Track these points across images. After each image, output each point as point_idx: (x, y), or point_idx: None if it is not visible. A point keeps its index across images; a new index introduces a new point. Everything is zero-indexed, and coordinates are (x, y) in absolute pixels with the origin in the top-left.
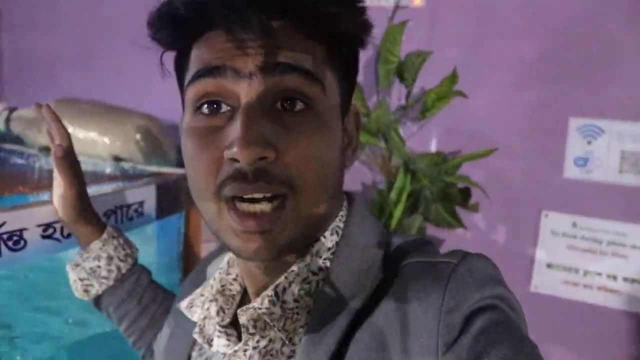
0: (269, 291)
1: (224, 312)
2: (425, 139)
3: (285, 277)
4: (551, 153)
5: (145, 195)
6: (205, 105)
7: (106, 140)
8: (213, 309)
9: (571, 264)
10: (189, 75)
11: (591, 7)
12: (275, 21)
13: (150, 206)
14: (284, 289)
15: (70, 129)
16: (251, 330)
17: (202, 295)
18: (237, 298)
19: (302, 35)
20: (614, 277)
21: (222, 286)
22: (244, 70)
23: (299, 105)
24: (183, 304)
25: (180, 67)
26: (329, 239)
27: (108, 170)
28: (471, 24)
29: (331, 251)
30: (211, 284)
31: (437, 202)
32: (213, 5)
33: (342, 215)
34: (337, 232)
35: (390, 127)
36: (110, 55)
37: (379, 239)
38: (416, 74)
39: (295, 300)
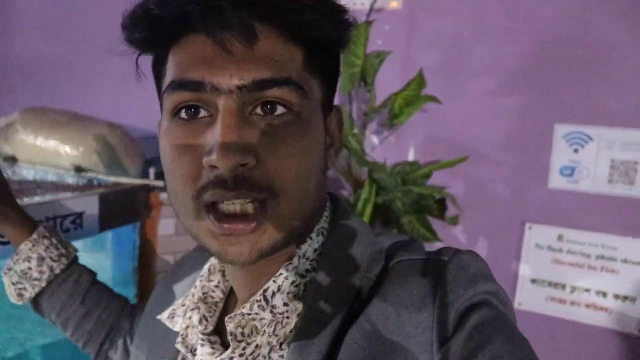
0: (258, 296)
1: (207, 321)
2: (404, 149)
3: (274, 281)
4: (536, 162)
5: (85, 207)
6: (184, 111)
7: (67, 149)
8: (195, 318)
9: (557, 280)
10: (166, 81)
11: (577, 10)
12: (256, 23)
13: (91, 218)
14: (273, 294)
15: (34, 140)
16: (239, 338)
17: (183, 305)
18: (220, 306)
19: (282, 39)
20: (604, 294)
21: (204, 294)
22: (224, 87)
23: (280, 110)
24: (164, 316)
25: (158, 71)
26: (315, 241)
27: (70, 181)
28: (451, 28)
29: (317, 252)
30: (192, 292)
31: (410, 215)
32: (191, 5)
33: (326, 217)
34: (322, 234)
35: (348, 135)
36: (91, 61)
37: (365, 239)
38: (374, 76)
39: (285, 305)
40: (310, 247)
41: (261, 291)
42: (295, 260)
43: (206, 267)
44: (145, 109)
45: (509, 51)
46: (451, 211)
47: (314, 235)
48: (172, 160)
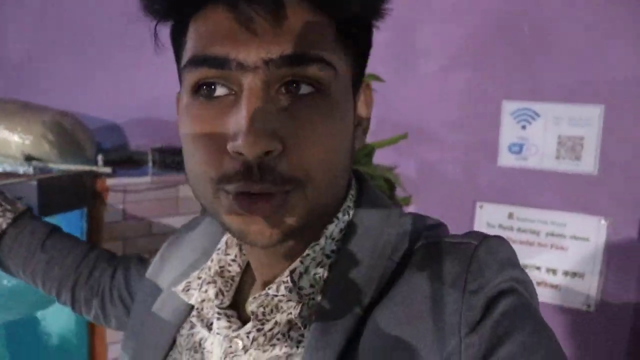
0: (284, 277)
1: (223, 295)
2: None
3: (301, 262)
4: (485, 140)
5: (22, 193)
6: (205, 88)
7: (16, 138)
8: (212, 291)
9: None
10: (187, 55)
11: None
12: None
13: (30, 204)
14: (300, 275)
15: None
16: (260, 317)
17: (199, 277)
18: (236, 280)
19: (312, 12)
20: (554, 271)
21: (221, 267)
22: (249, 63)
23: (307, 89)
24: (179, 288)
25: (177, 40)
26: (341, 220)
27: (21, 170)
28: (397, 7)
29: (343, 232)
30: (209, 266)
31: None
32: None
33: (352, 195)
34: (348, 213)
35: None
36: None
37: (391, 219)
38: None
39: (312, 286)
40: (337, 227)
41: (287, 272)
42: (322, 241)
43: (223, 239)
44: (104, 98)
45: (455, 29)
46: (403, 191)
47: (340, 215)
48: (193, 141)
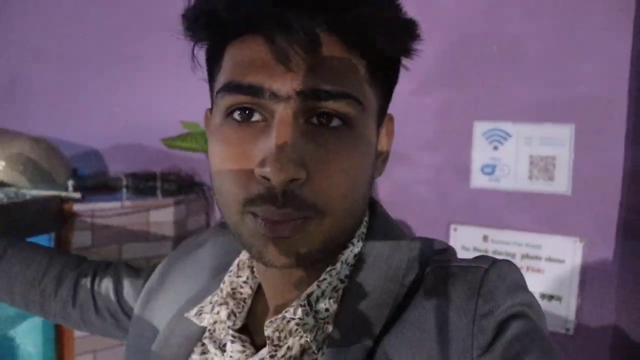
0: (302, 300)
1: (235, 316)
2: None
3: (318, 286)
4: (457, 161)
5: None
6: (238, 112)
7: None
8: (224, 313)
9: None
10: (221, 79)
11: (488, 7)
12: (320, 32)
13: None
14: (317, 298)
15: None
16: (275, 342)
17: (210, 302)
18: (248, 302)
19: (345, 50)
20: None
21: (233, 289)
22: (282, 93)
23: (336, 122)
24: (191, 313)
25: (212, 63)
26: (356, 246)
27: None
28: None
29: (356, 258)
30: (221, 288)
31: None
32: (254, 8)
33: (365, 221)
34: (362, 238)
35: None
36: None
37: (402, 245)
38: None
39: (327, 310)
40: (352, 252)
41: (304, 295)
42: (338, 265)
43: (235, 262)
44: (84, 124)
45: (424, 51)
46: None
47: (355, 241)
48: (222, 163)
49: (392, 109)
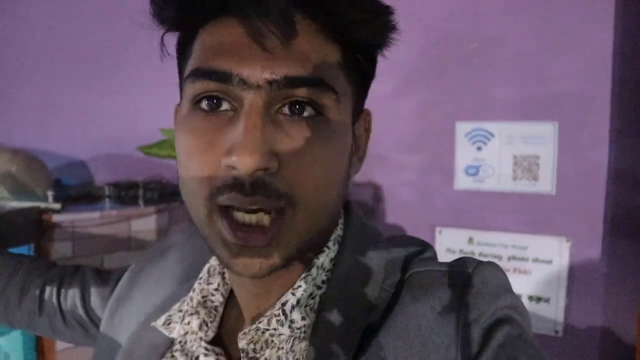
0: (276, 310)
1: (207, 326)
2: None
3: (293, 294)
4: (440, 163)
5: None
6: (205, 101)
7: None
8: (195, 323)
9: None
10: (190, 65)
11: (469, 4)
12: (296, 15)
13: None
14: (292, 307)
15: None
16: (251, 355)
17: (180, 310)
18: (220, 310)
19: (321, 35)
20: (519, 297)
21: (204, 297)
22: (252, 81)
23: (308, 111)
24: (159, 322)
25: (183, 49)
26: (332, 250)
27: None
28: None
29: (333, 262)
30: (190, 296)
31: None
32: None
33: (341, 223)
34: (338, 242)
35: None
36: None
37: (380, 248)
38: None
39: (303, 318)
40: (327, 256)
41: (279, 304)
42: (314, 271)
43: (205, 268)
44: (69, 135)
45: (405, 52)
46: None
47: (330, 244)
48: (188, 155)
49: (373, 111)
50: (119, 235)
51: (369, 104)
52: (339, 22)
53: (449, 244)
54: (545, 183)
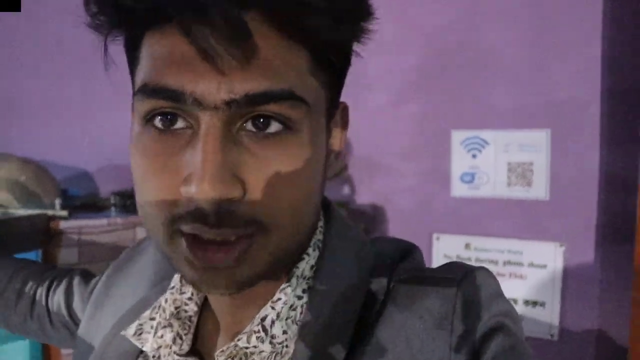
0: (255, 326)
1: (181, 339)
2: None
3: (272, 308)
4: (437, 171)
5: None
6: (159, 118)
7: None
8: (168, 336)
9: None
10: (139, 78)
11: (464, 15)
12: (250, 20)
13: None
14: (272, 322)
15: None
16: None
17: (151, 319)
18: (194, 320)
19: (282, 37)
20: (515, 301)
21: (177, 308)
22: (208, 102)
23: (275, 126)
24: (130, 332)
25: (130, 54)
26: (312, 256)
27: None
28: None
29: (314, 269)
30: (163, 307)
31: None
32: None
33: (321, 227)
34: (318, 247)
35: None
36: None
37: (364, 251)
38: None
39: (284, 332)
40: (307, 264)
41: (258, 319)
42: (294, 281)
43: (177, 277)
44: (76, 146)
45: (401, 62)
46: (361, 224)
47: (310, 250)
48: (143, 178)
49: (372, 121)
50: (124, 242)
51: (369, 114)
52: (305, 26)
53: (447, 250)
54: (539, 189)
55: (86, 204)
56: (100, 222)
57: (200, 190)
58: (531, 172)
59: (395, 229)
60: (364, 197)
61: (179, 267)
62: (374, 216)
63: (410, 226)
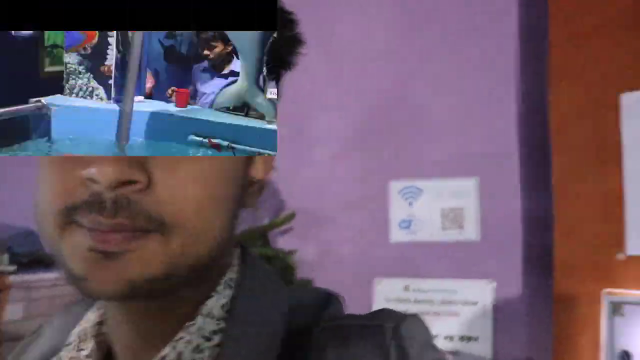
0: None
1: None
2: (260, 218)
3: (173, 347)
4: (377, 219)
5: None
6: None
7: None
8: None
9: None
10: None
11: (396, 79)
12: None
13: None
14: None
15: None
16: None
17: None
18: None
19: None
20: (451, 338)
21: None
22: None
23: None
24: None
25: None
26: (222, 295)
27: None
28: (290, 105)
29: (225, 309)
30: None
31: None
32: None
33: (237, 265)
34: (230, 286)
35: None
36: None
37: (282, 295)
38: None
39: None
40: (217, 302)
41: (158, 358)
42: (200, 320)
43: (74, 332)
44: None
45: (342, 119)
46: (303, 274)
47: (220, 288)
48: (43, 169)
49: (316, 174)
50: (73, 295)
51: (313, 167)
52: None
53: (387, 293)
54: (470, 231)
55: (34, 260)
56: (49, 276)
57: (101, 171)
58: (462, 217)
59: (339, 276)
60: (309, 247)
61: (69, 263)
62: (318, 264)
63: (353, 272)
